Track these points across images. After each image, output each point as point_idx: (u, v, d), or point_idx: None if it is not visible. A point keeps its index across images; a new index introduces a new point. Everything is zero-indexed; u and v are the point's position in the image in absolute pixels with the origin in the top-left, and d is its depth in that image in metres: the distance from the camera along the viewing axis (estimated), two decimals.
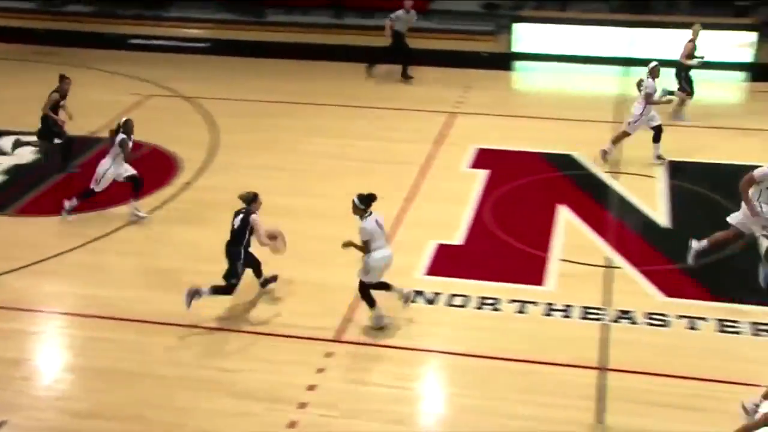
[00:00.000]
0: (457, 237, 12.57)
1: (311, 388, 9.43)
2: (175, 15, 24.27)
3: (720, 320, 10.56)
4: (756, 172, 10.88)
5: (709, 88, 17.64)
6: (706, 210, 13.31)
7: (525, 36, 21.30)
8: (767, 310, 10.75)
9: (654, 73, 14.46)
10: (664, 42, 19.50)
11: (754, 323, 10.50)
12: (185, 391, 9.43)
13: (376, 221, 10.13)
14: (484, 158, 15.22)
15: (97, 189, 12.96)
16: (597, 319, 10.64)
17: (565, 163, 15.00)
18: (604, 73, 19.94)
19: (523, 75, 21.26)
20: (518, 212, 13.37)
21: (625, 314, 10.74)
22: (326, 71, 20.25)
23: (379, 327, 10.39)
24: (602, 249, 12.25)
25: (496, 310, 10.86)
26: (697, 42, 16.45)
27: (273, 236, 10.69)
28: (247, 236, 10.44)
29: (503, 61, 20.92)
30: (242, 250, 10.49)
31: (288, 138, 15.97)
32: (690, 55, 16.40)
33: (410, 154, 15.25)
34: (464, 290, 11.11)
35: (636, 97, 14.75)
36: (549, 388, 9.45)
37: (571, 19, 21.39)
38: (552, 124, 16.79)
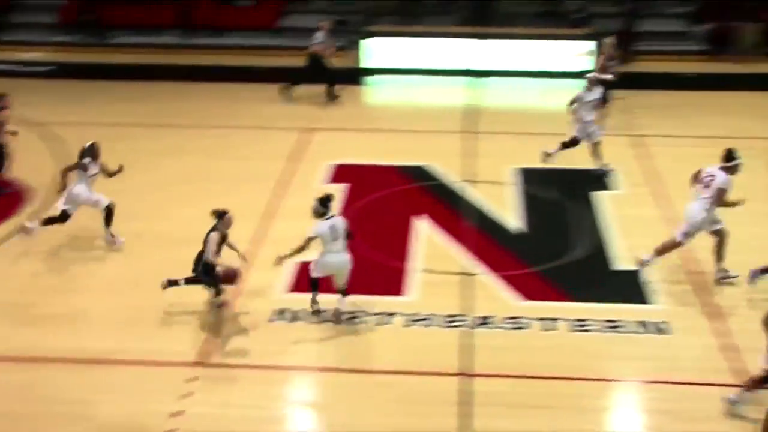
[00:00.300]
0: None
1: (175, 414, 9.22)
2: (13, 39, 23.40)
3: (574, 320, 10.93)
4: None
5: (554, 96, 18.24)
6: (556, 213, 13.82)
7: (375, 51, 21.57)
8: (618, 307, 11.20)
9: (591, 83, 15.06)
10: (507, 53, 20.23)
11: (606, 321, 10.90)
12: (43, 429, 9.06)
13: (330, 226, 10.49)
14: (341, 173, 15.30)
15: (68, 211, 12.55)
16: (458, 326, 10.84)
17: (420, 174, 15.25)
18: (452, 85, 20.41)
19: (375, 89, 21.50)
20: (377, 225, 13.49)
21: (485, 320, 10.98)
22: (178, 92, 19.95)
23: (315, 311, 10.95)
24: (461, 257, 12.50)
25: (359, 322, 10.92)
26: (609, 55, 17.17)
27: (231, 272, 10.81)
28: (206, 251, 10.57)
29: (355, 76, 21.11)
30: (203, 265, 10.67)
31: (143, 160, 15.60)
32: (604, 68, 16.94)
33: (268, 172, 15.17)
34: (327, 305, 11.12)
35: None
36: (415, 397, 9.55)
37: (418, 33, 21.79)
38: (406, 136, 17.06)
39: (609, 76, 16.83)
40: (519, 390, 9.65)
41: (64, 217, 12.51)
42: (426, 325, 10.88)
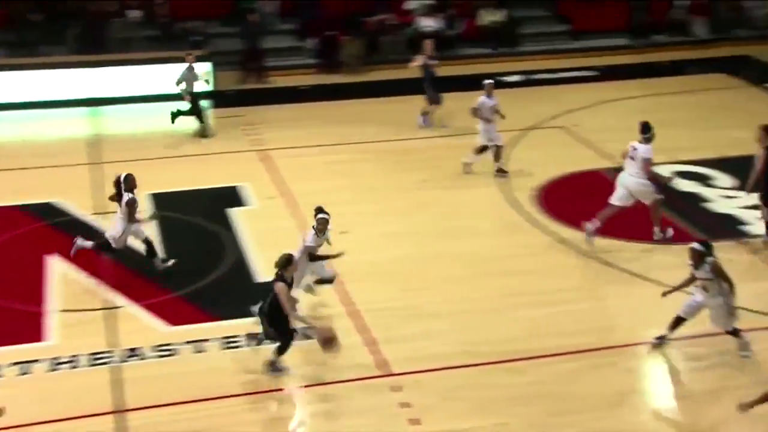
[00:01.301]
0: None
1: None
2: None
3: (223, 339, 11.07)
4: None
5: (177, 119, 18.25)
6: (194, 234, 13.92)
7: None
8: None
9: (488, 92, 15.56)
10: (124, 78, 19.99)
11: (256, 334, 11.17)
12: None
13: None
14: None
15: (116, 246, 12.41)
16: (106, 363, 10.56)
17: (48, 211, 14.59)
18: (72, 116, 19.70)
19: None
20: (7, 271, 12.75)
21: (133, 352, 10.79)
22: None
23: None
24: (101, 291, 12.17)
25: None
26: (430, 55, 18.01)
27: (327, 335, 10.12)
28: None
29: None
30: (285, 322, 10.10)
31: None
32: (426, 64, 17.94)
33: None
34: None
35: None
36: None
37: (30, 65, 20.76)
38: (29, 173, 16.24)
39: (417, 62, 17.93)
40: (177, 418, 9.61)
41: (113, 249, 12.47)
42: (72, 367, 10.48)
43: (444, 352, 10.71)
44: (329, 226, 11.45)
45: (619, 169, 13.65)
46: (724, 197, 14.91)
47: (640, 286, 12.10)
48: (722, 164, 16.08)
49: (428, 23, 23.10)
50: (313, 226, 11.39)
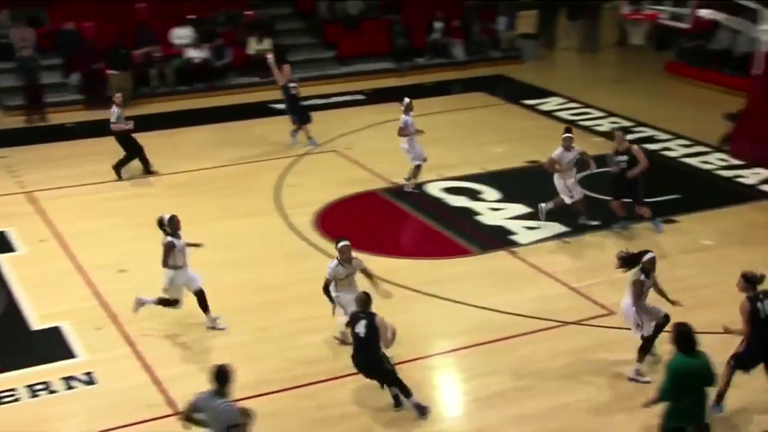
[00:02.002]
0: None
1: None
2: None
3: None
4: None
5: None
6: None
7: None
8: (43, 369, 11.00)
9: (407, 109, 15.89)
10: None
11: (33, 385, 10.66)
12: None
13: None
14: None
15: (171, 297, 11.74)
16: None
17: None
18: None
19: None
20: None
21: None
22: None
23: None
24: None
25: None
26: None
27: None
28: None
29: None
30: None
31: None
32: (287, 86, 18.32)
33: None
34: None
35: None
36: None
37: None
38: None
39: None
40: None
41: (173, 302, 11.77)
42: None
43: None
44: (353, 254, 11.16)
45: (391, 189, 14.05)
46: (492, 209, 15.72)
47: (425, 302, 12.56)
48: (487, 178, 16.97)
49: (195, 54, 22.98)
50: (336, 258, 11.16)
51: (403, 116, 16.11)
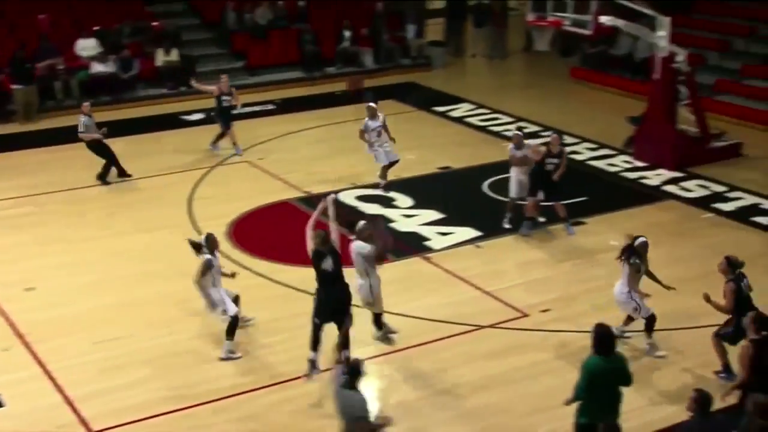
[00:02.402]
0: None
1: None
2: None
3: None
4: None
5: None
6: None
7: None
8: None
9: (371, 115, 16.37)
10: None
11: None
12: None
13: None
14: None
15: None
16: None
17: None
18: None
19: None
20: None
21: None
22: None
23: None
24: None
25: None
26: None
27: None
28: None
29: None
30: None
31: None
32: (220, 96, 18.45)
33: None
34: None
35: None
36: None
37: None
38: None
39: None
40: None
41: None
42: None
43: (147, 400, 10.49)
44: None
45: (304, 198, 13.99)
46: (406, 216, 15.83)
47: None
48: (400, 185, 17.08)
49: (101, 67, 22.58)
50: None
51: (366, 120, 16.61)
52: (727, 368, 10.71)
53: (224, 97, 18.65)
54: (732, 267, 10.53)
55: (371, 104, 16.85)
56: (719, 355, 10.73)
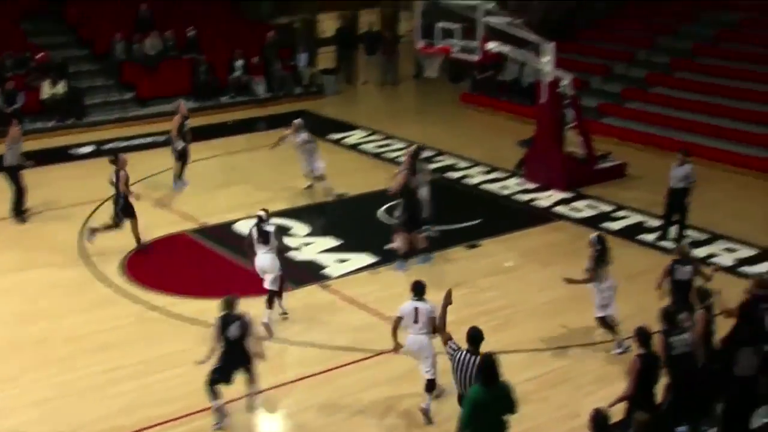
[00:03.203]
0: None
1: None
2: None
3: None
4: None
5: None
6: None
7: None
8: None
9: (296, 129, 17.50)
10: None
11: None
12: None
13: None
14: None
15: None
16: None
17: None
18: None
19: None
20: None
21: None
22: None
23: None
24: None
25: None
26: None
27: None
28: None
29: None
30: None
31: None
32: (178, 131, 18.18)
33: None
34: None
35: None
36: None
37: None
38: None
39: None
40: None
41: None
42: None
43: None
44: None
45: (200, 230, 13.82)
46: (303, 244, 15.82)
47: None
48: (296, 213, 17.08)
49: None
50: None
51: (289, 134, 17.73)
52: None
53: (186, 123, 18.44)
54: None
55: (298, 120, 18.14)
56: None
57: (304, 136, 17.83)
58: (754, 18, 23.91)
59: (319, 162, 17.90)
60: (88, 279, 14.49)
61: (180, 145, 18.27)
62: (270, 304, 12.68)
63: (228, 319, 10.30)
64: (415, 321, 10.55)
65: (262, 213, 12.89)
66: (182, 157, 18.49)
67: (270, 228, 12.75)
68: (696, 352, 9.78)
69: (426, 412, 10.53)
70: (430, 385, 10.62)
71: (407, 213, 14.82)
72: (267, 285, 12.67)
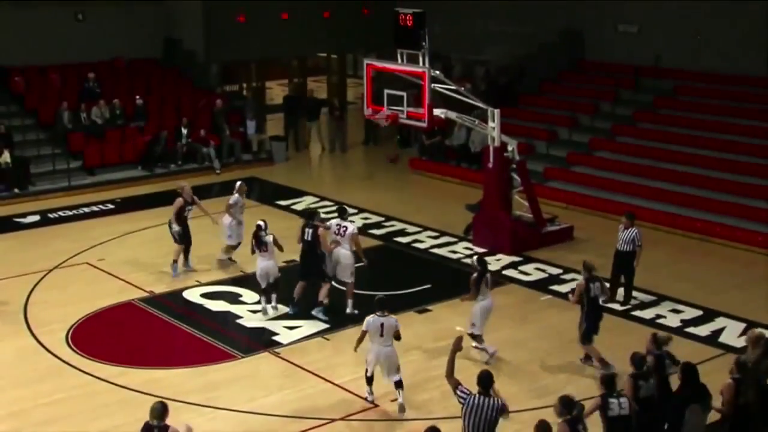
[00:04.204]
0: None
1: None
2: None
3: None
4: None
5: None
6: None
7: None
8: None
9: (240, 190, 17.70)
10: None
11: None
12: None
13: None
14: None
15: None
16: None
17: None
18: None
19: None
20: None
21: None
22: None
23: None
24: None
25: None
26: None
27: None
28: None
29: None
30: None
31: None
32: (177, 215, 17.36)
33: None
34: None
35: None
36: None
37: None
38: None
39: None
40: None
41: None
42: None
43: None
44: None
45: (147, 299, 13.63)
46: (252, 312, 15.71)
47: (188, 413, 12.23)
48: (245, 281, 16.99)
49: None
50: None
51: (235, 195, 17.74)
52: None
53: (188, 207, 17.70)
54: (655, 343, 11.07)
55: (241, 182, 18.24)
56: None
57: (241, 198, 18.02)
58: (687, 85, 24.56)
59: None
60: (33, 351, 14.20)
61: (176, 228, 17.38)
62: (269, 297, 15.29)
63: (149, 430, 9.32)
64: (381, 335, 11.97)
65: (261, 223, 15.23)
66: (184, 241, 17.48)
67: (268, 239, 15.07)
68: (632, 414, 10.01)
69: (402, 406, 12.08)
70: (400, 384, 12.14)
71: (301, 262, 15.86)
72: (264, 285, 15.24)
